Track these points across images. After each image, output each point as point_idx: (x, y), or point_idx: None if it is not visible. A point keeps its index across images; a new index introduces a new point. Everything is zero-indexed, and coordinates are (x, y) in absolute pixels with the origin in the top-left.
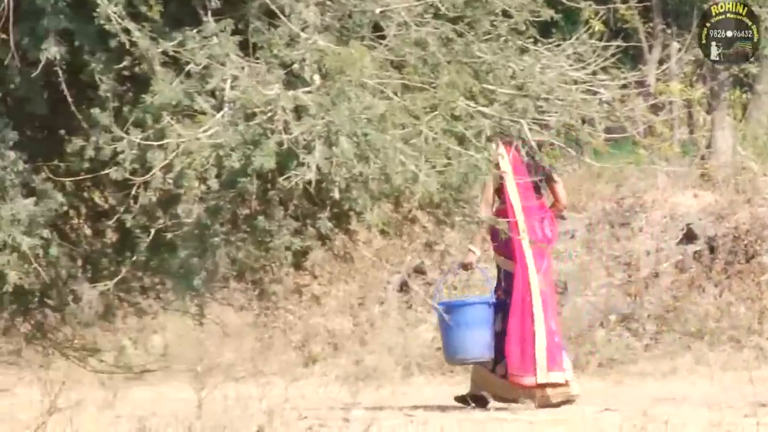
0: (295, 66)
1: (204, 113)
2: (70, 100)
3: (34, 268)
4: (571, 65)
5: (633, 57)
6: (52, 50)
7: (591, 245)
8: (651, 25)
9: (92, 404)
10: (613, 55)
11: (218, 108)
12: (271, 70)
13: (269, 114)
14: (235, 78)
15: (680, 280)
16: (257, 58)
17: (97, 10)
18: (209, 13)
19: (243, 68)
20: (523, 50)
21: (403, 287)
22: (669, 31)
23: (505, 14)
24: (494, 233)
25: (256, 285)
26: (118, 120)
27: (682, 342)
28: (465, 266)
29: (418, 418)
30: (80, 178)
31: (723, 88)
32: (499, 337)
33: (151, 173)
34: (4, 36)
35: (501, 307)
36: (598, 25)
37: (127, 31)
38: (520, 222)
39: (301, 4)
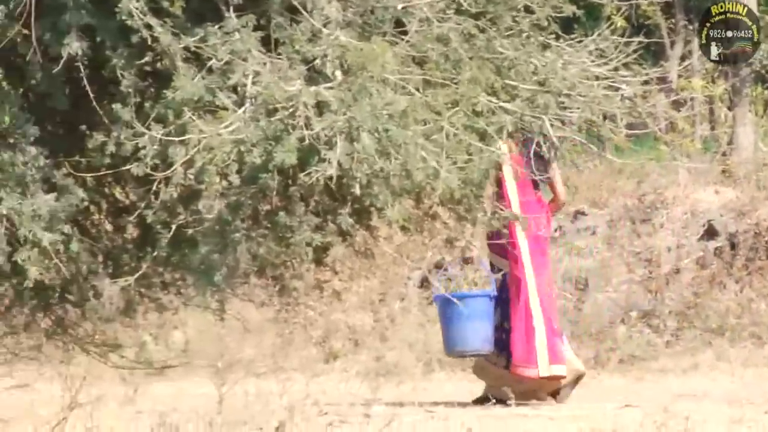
0: (317, 62)
1: (225, 109)
2: (91, 95)
3: (55, 263)
4: (593, 61)
5: (655, 53)
6: (73, 46)
7: (612, 241)
8: (673, 21)
9: (113, 400)
10: (635, 51)
11: (240, 104)
12: (293, 65)
13: (291, 110)
14: (256, 74)
15: (701, 276)
16: (279, 54)
17: (119, 5)
18: (231, 8)
19: (265, 64)
20: (545, 46)
21: (424, 283)
22: (691, 27)
23: (527, 10)
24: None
25: (276, 281)
26: (140, 115)
27: (703, 338)
28: (466, 261)
29: (438, 414)
30: (101, 173)
31: (745, 85)
32: (498, 331)
33: (172, 169)
34: (26, 31)
35: (499, 301)
36: (620, 21)
37: (149, 27)
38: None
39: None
